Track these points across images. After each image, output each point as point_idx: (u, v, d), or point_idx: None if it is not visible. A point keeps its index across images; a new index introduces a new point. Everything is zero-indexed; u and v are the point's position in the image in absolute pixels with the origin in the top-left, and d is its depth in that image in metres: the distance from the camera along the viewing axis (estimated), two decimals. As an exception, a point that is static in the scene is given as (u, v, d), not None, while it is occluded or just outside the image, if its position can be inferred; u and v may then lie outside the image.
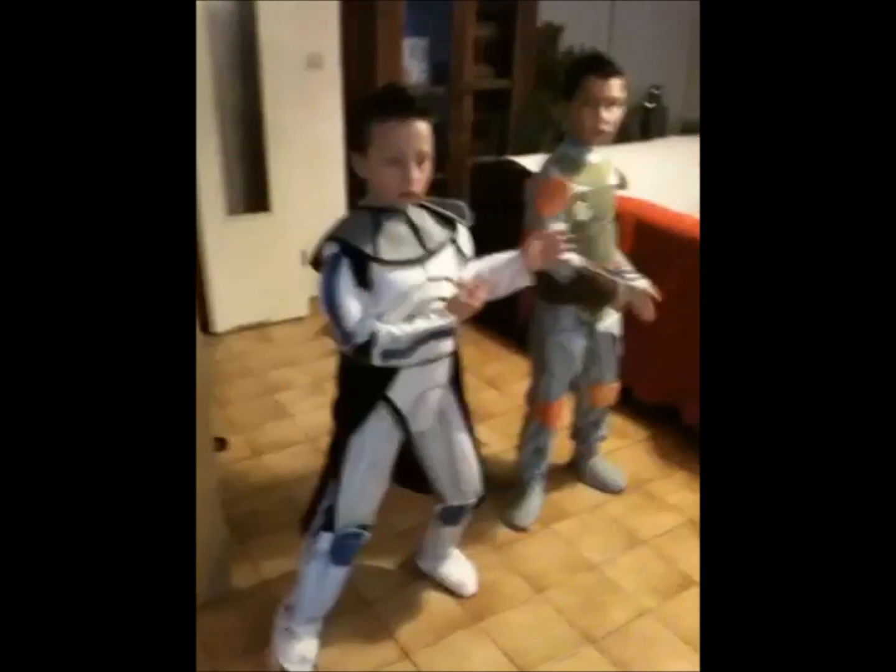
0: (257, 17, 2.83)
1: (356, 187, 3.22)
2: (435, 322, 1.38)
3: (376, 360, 1.36)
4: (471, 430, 1.64)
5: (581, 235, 1.78)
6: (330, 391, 1.55)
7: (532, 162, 3.01)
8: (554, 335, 1.96)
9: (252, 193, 3.15)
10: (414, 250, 1.38)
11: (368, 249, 1.34)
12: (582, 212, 1.81)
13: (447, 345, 1.46)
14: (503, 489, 2.15)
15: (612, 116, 1.75)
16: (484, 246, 1.60)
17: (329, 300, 1.34)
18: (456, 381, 1.58)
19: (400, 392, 1.46)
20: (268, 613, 1.71)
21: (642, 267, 2.45)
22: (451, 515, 1.72)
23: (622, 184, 1.93)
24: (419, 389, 1.47)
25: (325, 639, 1.67)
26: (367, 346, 1.34)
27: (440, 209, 1.45)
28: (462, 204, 1.50)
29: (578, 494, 2.21)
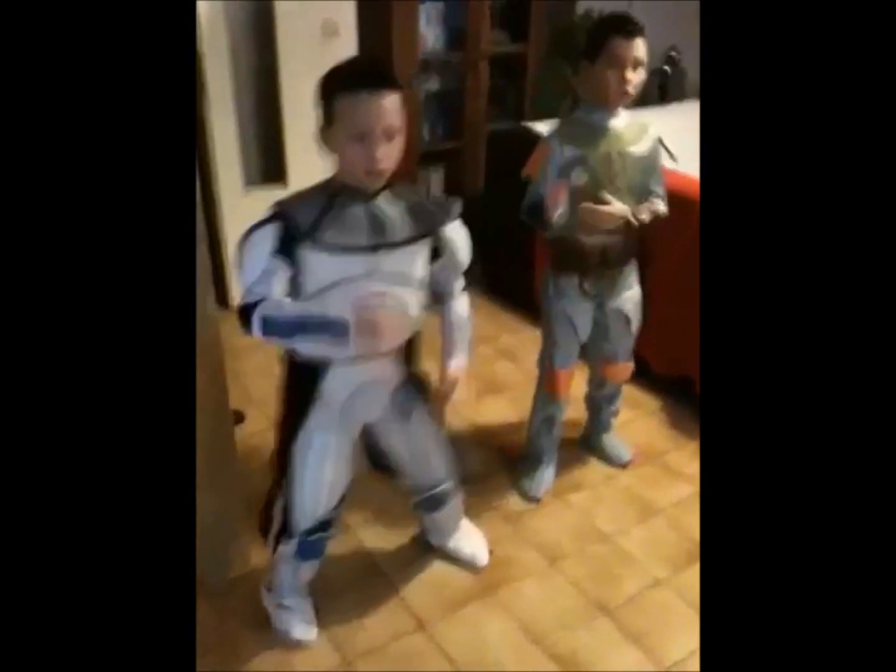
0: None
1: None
2: (332, 317, 1.24)
3: (255, 328, 1.26)
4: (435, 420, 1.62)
5: (576, 201, 1.76)
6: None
7: (548, 128, 2.97)
8: (556, 302, 1.95)
9: (269, 165, 3.14)
10: (360, 238, 1.28)
11: (305, 227, 1.25)
12: (577, 176, 1.77)
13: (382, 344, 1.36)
14: (516, 461, 2.17)
15: (636, 78, 1.71)
16: (501, 212, 1.59)
17: (240, 257, 1.28)
18: (412, 377, 1.54)
19: (331, 388, 1.40)
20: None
21: (657, 232, 2.43)
22: (431, 503, 1.72)
23: (667, 156, 1.89)
24: (353, 385, 1.41)
25: (341, 609, 1.71)
26: (249, 308, 1.25)
27: (419, 201, 1.37)
28: (452, 200, 1.42)
29: (592, 466, 2.22)
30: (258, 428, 2.37)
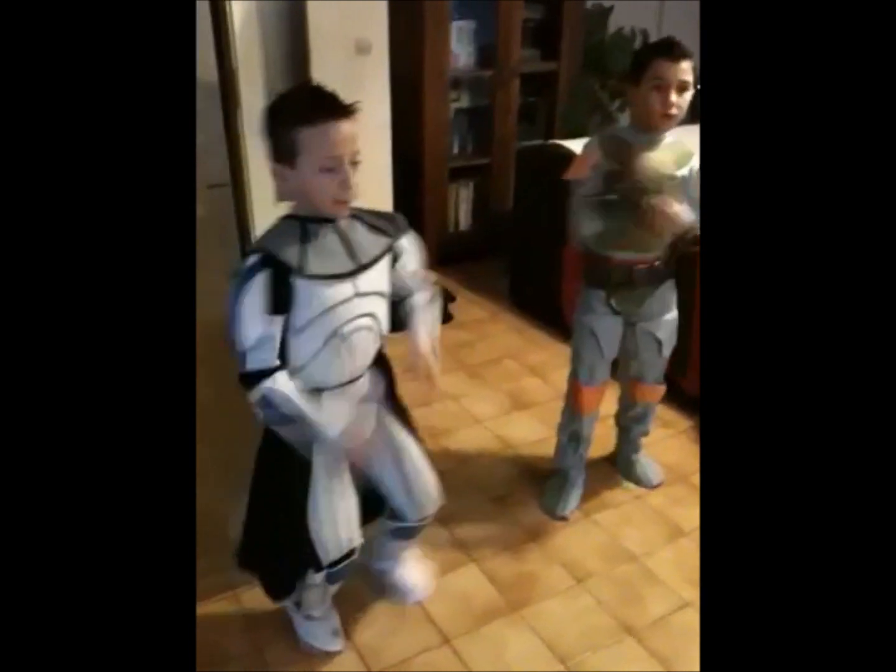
0: (306, 5, 2.85)
1: (402, 173, 3.24)
2: (322, 417, 1.31)
3: (256, 400, 1.28)
4: (416, 437, 1.58)
5: (611, 215, 1.77)
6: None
7: (578, 145, 2.97)
8: (583, 317, 1.94)
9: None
10: (343, 264, 1.30)
11: (293, 262, 1.24)
12: (615, 191, 1.76)
13: (362, 364, 1.40)
14: (543, 477, 2.16)
15: (682, 101, 1.70)
16: (529, 228, 1.59)
17: (231, 316, 1.26)
18: (389, 393, 1.52)
19: (329, 416, 1.36)
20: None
21: (685, 254, 2.42)
22: (405, 532, 1.66)
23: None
24: (344, 410, 1.39)
25: (367, 623, 1.71)
26: (253, 380, 1.27)
27: (374, 220, 1.38)
28: (398, 216, 1.43)
29: (620, 485, 2.20)
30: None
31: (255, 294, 1.23)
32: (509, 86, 3.47)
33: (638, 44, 3.96)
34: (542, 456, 2.24)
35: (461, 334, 3.07)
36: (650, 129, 1.75)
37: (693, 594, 1.80)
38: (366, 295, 1.34)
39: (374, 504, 1.57)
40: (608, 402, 2.25)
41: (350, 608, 1.74)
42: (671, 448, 2.34)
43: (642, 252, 1.83)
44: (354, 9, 2.99)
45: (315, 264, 1.26)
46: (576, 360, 2.00)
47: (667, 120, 1.71)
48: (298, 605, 1.63)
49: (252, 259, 1.24)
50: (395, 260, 1.44)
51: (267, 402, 1.28)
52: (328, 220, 1.30)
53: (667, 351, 2.00)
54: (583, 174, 1.80)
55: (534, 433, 2.38)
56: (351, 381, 1.40)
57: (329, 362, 1.34)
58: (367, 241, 1.35)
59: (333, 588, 1.60)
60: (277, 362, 1.28)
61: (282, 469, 1.43)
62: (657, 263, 1.86)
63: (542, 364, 2.86)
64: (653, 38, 4.11)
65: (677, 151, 1.79)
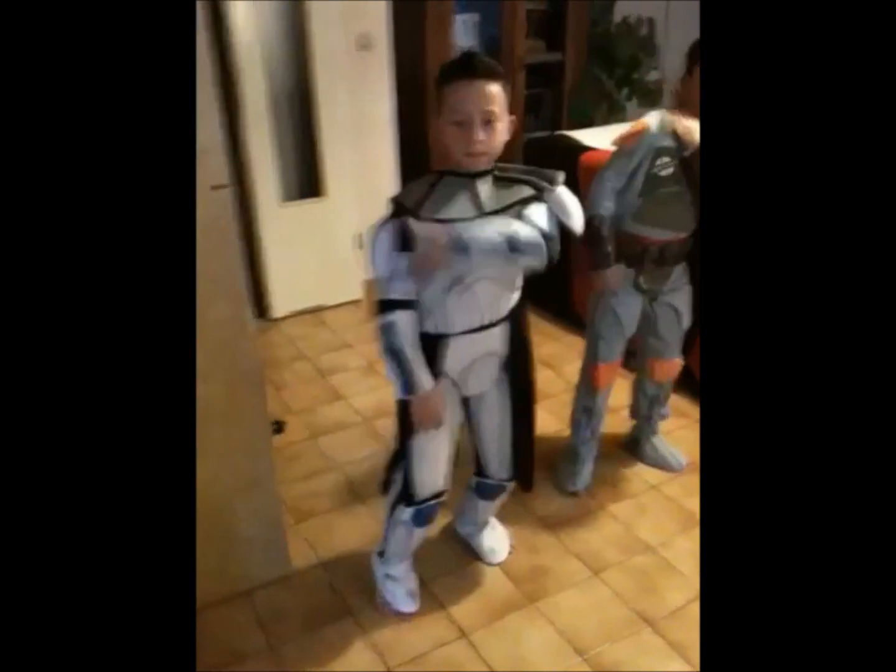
0: (306, 3, 2.84)
1: (408, 169, 3.23)
2: (415, 371, 1.38)
3: (382, 324, 1.38)
4: (527, 414, 1.63)
5: (654, 192, 1.77)
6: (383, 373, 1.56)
7: (585, 136, 2.95)
8: (605, 297, 1.94)
9: (305, 179, 3.18)
10: (465, 210, 1.35)
11: (410, 205, 1.33)
12: (662, 166, 1.76)
13: (491, 313, 1.45)
14: (556, 468, 2.15)
15: None
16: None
17: (369, 249, 1.36)
18: (518, 356, 1.55)
19: (451, 361, 1.47)
20: (325, 593, 1.76)
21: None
22: (487, 490, 1.75)
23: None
24: (470, 357, 1.49)
25: (383, 617, 1.70)
26: (386, 307, 1.37)
27: (519, 175, 1.40)
28: (554, 172, 1.42)
29: (636, 475, 2.18)
30: (299, 437, 2.39)
31: (385, 234, 1.32)
32: (515, 77, 3.45)
33: (644, 32, 3.93)
34: (556, 448, 2.22)
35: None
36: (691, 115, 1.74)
37: (711, 583, 1.78)
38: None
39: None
40: (621, 394, 2.24)
41: (365, 606, 1.74)
42: (686, 438, 2.31)
43: (679, 230, 1.84)
44: (355, 5, 2.99)
45: (431, 209, 1.33)
46: (595, 339, 2.00)
47: None
48: (382, 554, 1.71)
49: (387, 210, 1.36)
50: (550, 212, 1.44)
51: (386, 330, 1.38)
52: (462, 174, 1.36)
53: (686, 321, 2.00)
54: (632, 143, 1.77)
55: (548, 425, 2.37)
56: (478, 330, 1.45)
57: (452, 309, 1.41)
58: (499, 194, 1.38)
59: (419, 534, 1.67)
60: (414, 297, 1.38)
61: (402, 410, 1.51)
62: (687, 240, 1.86)
63: (555, 356, 2.84)
64: (659, 27, 4.08)
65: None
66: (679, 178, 1.76)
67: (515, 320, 1.52)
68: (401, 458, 1.56)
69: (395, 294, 1.37)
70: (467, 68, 1.31)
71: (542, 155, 3.10)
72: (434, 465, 1.56)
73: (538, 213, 1.37)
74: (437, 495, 1.59)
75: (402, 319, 1.37)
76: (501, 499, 1.79)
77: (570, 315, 2.99)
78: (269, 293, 3.21)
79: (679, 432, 2.34)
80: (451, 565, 1.85)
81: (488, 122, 1.31)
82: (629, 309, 1.94)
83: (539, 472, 2.17)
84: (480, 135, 1.30)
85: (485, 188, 1.37)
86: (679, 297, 1.97)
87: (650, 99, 4.03)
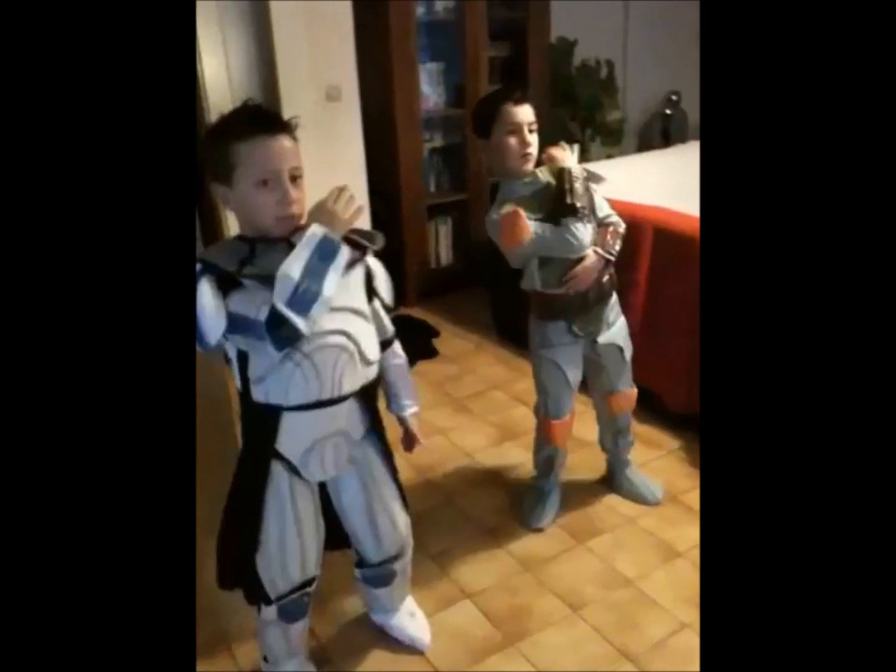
0: (275, 54, 2.91)
1: (379, 213, 3.28)
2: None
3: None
4: (397, 483, 1.52)
5: (549, 260, 1.80)
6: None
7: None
8: (544, 351, 1.97)
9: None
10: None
11: (229, 270, 1.18)
12: (543, 230, 1.77)
13: (335, 388, 1.28)
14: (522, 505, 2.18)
15: (533, 140, 1.77)
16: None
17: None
18: (374, 429, 1.45)
19: (287, 441, 1.31)
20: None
21: (663, 274, 2.45)
22: (375, 578, 1.61)
23: (593, 179, 1.87)
24: (311, 438, 1.32)
25: (362, 663, 1.69)
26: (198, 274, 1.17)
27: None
28: (372, 231, 1.32)
29: (612, 509, 2.20)
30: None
31: (203, 289, 1.16)
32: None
33: (604, 74, 4.06)
34: (533, 486, 2.23)
35: (447, 368, 3.08)
36: (517, 174, 1.79)
37: (690, 615, 1.79)
38: (337, 310, 1.25)
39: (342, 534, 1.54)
40: (594, 427, 2.26)
41: (344, 653, 1.72)
42: (660, 469, 2.34)
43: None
44: (323, 57, 3.06)
45: (260, 267, 1.18)
46: (543, 394, 2.04)
47: (525, 160, 1.77)
48: (266, 659, 1.58)
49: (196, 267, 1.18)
50: (369, 280, 1.37)
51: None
52: (279, 240, 1.22)
53: (628, 355, 2.04)
54: (526, 234, 1.72)
55: (523, 462, 2.38)
56: (319, 406, 1.29)
57: (287, 379, 1.24)
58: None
59: (296, 630, 1.52)
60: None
61: (241, 500, 1.38)
62: (605, 280, 1.90)
63: (530, 392, 2.85)
64: (618, 68, 4.22)
65: (552, 173, 1.81)
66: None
67: (368, 396, 1.38)
68: (246, 551, 1.38)
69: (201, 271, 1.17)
70: (266, 121, 1.21)
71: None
72: (296, 554, 1.39)
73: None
74: (303, 585, 1.43)
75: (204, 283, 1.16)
76: (401, 580, 1.65)
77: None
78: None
79: (654, 463, 2.36)
80: (428, 609, 1.84)
81: (294, 178, 1.21)
82: (572, 359, 1.97)
83: (515, 510, 2.19)
84: (294, 193, 1.20)
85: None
86: (617, 333, 2.00)
87: (613, 138, 4.14)
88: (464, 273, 3.72)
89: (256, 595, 1.43)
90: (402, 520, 1.56)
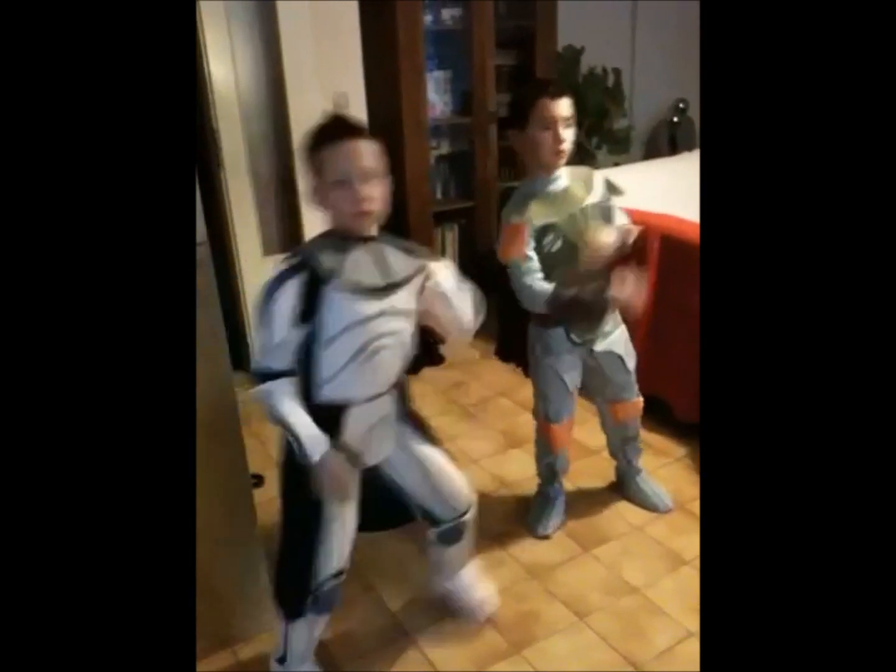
0: (283, 61, 2.93)
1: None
2: (305, 432, 1.34)
3: (254, 397, 1.36)
4: (437, 444, 1.63)
5: (557, 265, 1.79)
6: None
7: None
8: (543, 358, 1.96)
9: (286, 233, 3.23)
10: (375, 281, 1.35)
11: (328, 271, 1.31)
12: (550, 243, 1.79)
13: (389, 380, 1.45)
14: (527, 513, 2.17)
15: (569, 136, 1.75)
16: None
17: (259, 316, 1.33)
18: (406, 412, 1.57)
19: (350, 430, 1.43)
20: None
21: (670, 281, 2.44)
22: (449, 535, 1.68)
23: (613, 191, 1.88)
24: (367, 425, 1.45)
25: (365, 669, 1.68)
26: (261, 377, 1.35)
27: (404, 244, 1.43)
28: (421, 247, 1.48)
29: (619, 516, 2.19)
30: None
31: (287, 298, 1.30)
32: (487, 130, 3.54)
33: (611, 82, 4.06)
34: (538, 493, 2.23)
35: (453, 375, 3.08)
36: (544, 172, 1.79)
37: (697, 624, 1.78)
38: (394, 314, 1.38)
39: (400, 510, 1.62)
40: (598, 436, 2.26)
41: (347, 658, 1.71)
42: (667, 477, 2.32)
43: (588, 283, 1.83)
44: (330, 66, 3.07)
45: (347, 277, 1.32)
46: (543, 401, 2.03)
47: (557, 157, 1.76)
48: (283, 660, 1.59)
49: (289, 262, 1.33)
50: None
51: (264, 399, 1.35)
52: (362, 239, 1.36)
53: (630, 363, 2.03)
54: (524, 248, 1.77)
55: (530, 469, 2.37)
56: (375, 398, 1.44)
57: (355, 377, 1.38)
58: (399, 262, 1.40)
59: (321, 624, 1.58)
60: (282, 368, 1.34)
61: (302, 497, 1.45)
62: (602, 288, 1.86)
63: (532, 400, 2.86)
64: (625, 76, 4.22)
65: (580, 181, 1.83)
66: (570, 243, 1.79)
67: (403, 381, 1.53)
68: (295, 545, 1.50)
69: (276, 364, 1.34)
70: (339, 129, 1.33)
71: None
72: (341, 543, 1.50)
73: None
74: (338, 574, 1.52)
75: (281, 389, 1.34)
76: (468, 539, 1.73)
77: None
78: (252, 346, 3.22)
79: (661, 471, 2.35)
80: (434, 615, 1.83)
81: (369, 178, 1.31)
82: (571, 367, 1.97)
83: (521, 517, 2.18)
84: (365, 192, 1.30)
85: (387, 256, 1.38)
86: (615, 342, 1.99)
87: (620, 146, 4.14)
88: (470, 280, 3.72)
89: (296, 586, 1.49)
90: (458, 476, 1.65)
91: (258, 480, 2.34)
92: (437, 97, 3.51)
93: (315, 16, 2.92)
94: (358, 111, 3.23)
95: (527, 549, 2.06)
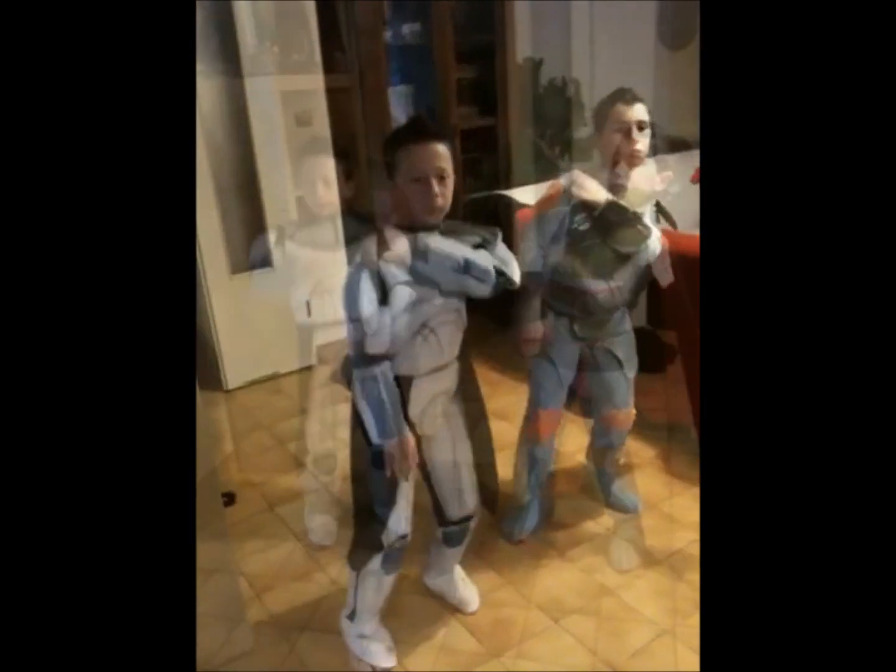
0: (244, 80, 2.94)
1: (351, 237, 3.30)
2: (391, 418, 1.46)
3: (362, 377, 1.47)
4: (486, 424, 1.72)
5: (578, 245, 1.85)
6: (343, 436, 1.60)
7: (522, 194, 3.07)
8: (541, 346, 1.99)
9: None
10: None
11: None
12: (580, 222, 1.84)
13: (450, 353, 1.56)
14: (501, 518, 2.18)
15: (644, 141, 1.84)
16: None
17: (350, 304, 1.43)
18: (465, 389, 1.66)
19: (413, 402, 1.54)
20: (289, 665, 1.73)
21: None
22: (454, 537, 1.78)
23: (665, 218, 1.96)
24: (428, 397, 1.57)
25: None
26: (368, 361, 1.45)
27: (468, 230, 1.52)
28: (493, 229, 1.56)
29: (592, 519, 2.22)
30: (257, 508, 2.37)
31: (365, 292, 1.42)
32: (452, 143, 3.58)
33: (571, 93, 4.13)
34: (513, 498, 2.25)
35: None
36: (616, 167, 1.85)
37: (671, 622, 1.81)
38: (452, 294, 1.49)
39: None
40: (577, 438, 2.29)
41: (324, 662, 1.72)
42: (637, 478, 2.36)
43: (603, 280, 1.89)
44: (292, 83, 3.10)
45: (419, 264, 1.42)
46: (535, 387, 2.06)
47: (632, 159, 1.83)
48: (352, 616, 1.72)
49: (354, 265, 1.46)
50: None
51: (371, 382, 1.46)
52: (427, 228, 1.46)
53: (630, 372, 2.05)
54: (550, 206, 1.87)
55: (504, 476, 2.39)
56: (438, 370, 1.55)
57: (419, 352, 1.50)
58: (464, 245, 1.48)
59: (388, 584, 1.69)
60: (390, 350, 1.46)
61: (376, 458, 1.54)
62: (617, 290, 1.92)
63: (509, 407, 2.87)
64: (584, 86, 4.29)
65: (638, 192, 1.87)
66: (594, 232, 1.84)
67: (464, 355, 1.63)
68: (372, 507, 1.61)
69: (376, 349, 1.45)
70: (420, 131, 1.44)
71: (483, 213, 3.22)
72: (405, 507, 1.62)
73: (489, 254, 1.50)
74: (403, 537, 1.64)
75: (383, 371, 1.46)
76: (467, 541, 1.83)
77: (520, 366, 3.04)
78: (222, 364, 3.22)
79: (632, 473, 2.39)
80: (413, 621, 1.85)
81: (442, 178, 1.43)
82: (565, 356, 2.00)
83: (493, 524, 2.19)
84: (438, 189, 1.42)
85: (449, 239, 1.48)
86: (619, 345, 2.01)
87: (583, 155, 4.20)
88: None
89: (372, 544, 1.61)
90: (474, 479, 1.74)
91: (230, 498, 2.34)
92: (399, 111, 3.55)
93: (276, 29, 2.96)
94: (322, 126, 3.25)
95: (502, 556, 2.08)
